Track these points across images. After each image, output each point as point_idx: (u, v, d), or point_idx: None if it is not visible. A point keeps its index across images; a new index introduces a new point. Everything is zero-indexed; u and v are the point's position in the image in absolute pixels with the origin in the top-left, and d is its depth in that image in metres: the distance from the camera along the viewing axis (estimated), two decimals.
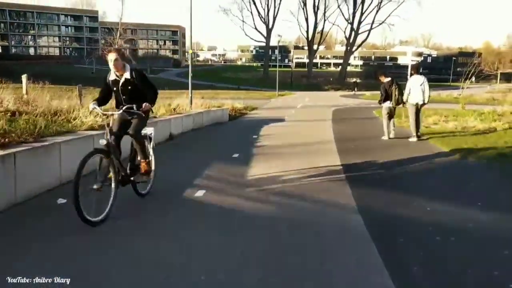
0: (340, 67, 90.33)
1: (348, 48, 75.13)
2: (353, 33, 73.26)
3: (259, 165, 7.77)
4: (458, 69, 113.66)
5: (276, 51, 57.44)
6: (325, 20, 77.15)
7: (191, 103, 16.01)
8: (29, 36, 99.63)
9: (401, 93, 11.25)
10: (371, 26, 73.32)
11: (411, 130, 11.25)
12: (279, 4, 77.33)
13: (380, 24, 73.04)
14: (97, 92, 5.84)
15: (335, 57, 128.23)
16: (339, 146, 10.08)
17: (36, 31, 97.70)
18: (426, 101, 11.18)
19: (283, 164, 7.79)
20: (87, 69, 64.86)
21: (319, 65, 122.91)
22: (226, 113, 17.73)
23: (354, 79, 41.06)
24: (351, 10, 72.77)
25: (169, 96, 30.10)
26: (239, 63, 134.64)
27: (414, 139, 10.99)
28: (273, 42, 74.43)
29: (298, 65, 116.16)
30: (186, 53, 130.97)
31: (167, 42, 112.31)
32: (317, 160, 8.27)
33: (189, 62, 16.43)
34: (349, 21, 73.12)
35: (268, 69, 77.74)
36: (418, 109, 11.12)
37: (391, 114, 11.76)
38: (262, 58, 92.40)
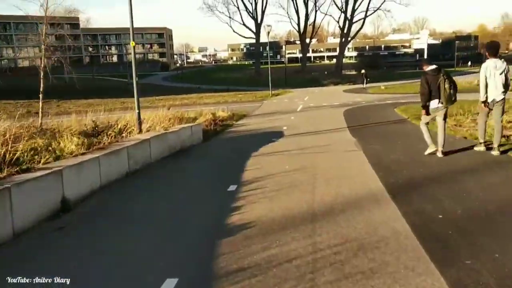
0: (335, 59, 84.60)
1: (343, 38, 69.32)
2: (347, 22, 67.52)
3: None
4: (456, 53, 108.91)
5: (267, 47, 51.69)
6: (316, 11, 71.86)
7: (139, 124, 10.24)
8: (9, 49, 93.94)
9: (454, 87, 7.53)
10: (366, 13, 67.69)
11: (479, 136, 7.89)
12: None
13: (375, 10, 67.46)
14: None
15: (328, 49, 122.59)
16: (408, 216, 4.47)
17: (15, 43, 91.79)
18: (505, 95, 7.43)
19: None
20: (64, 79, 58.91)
21: (312, 59, 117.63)
22: (198, 131, 12.04)
23: (363, 70, 34.75)
24: None
25: (147, 106, 24.46)
26: (230, 62, 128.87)
27: (481, 148, 7.74)
28: (264, 38, 68.92)
29: (291, 60, 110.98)
30: (175, 56, 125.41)
31: (153, 45, 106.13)
32: None
33: (133, 62, 10.59)
34: (342, 10, 67.44)
35: (260, 66, 71.96)
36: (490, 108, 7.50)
37: (444, 116, 7.76)
38: (253, 55, 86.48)
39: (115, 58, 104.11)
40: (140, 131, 10.35)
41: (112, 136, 9.38)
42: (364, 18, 68.58)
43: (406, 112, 16.43)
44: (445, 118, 7.81)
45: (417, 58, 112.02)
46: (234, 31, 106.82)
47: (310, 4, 70.55)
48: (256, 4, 68.85)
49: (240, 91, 39.49)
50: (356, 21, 68.78)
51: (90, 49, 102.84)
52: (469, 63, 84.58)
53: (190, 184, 7.00)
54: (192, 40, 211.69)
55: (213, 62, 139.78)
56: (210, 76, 72.24)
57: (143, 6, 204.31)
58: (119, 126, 11.78)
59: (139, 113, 10.34)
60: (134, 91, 10.50)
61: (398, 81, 44.76)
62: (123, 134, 10.88)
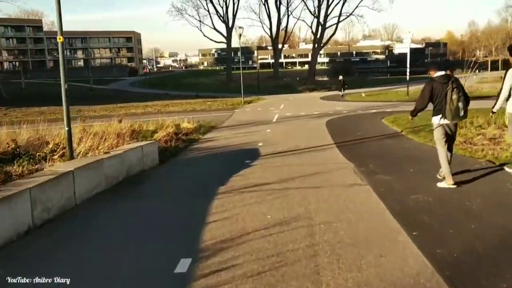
0: (307, 65, 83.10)
1: (316, 44, 67.70)
2: (320, 27, 65.92)
3: None
4: (426, 60, 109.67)
5: (239, 51, 49.19)
6: (289, 16, 69.87)
7: (70, 148, 7.57)
8: None
9: (465, 99, 5.86)
10: (339, 18, 66.21)
11: None
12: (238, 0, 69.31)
13: (348, 16, 66.08)
14: None
15: (300, 55, 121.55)
16: None
17: None
18: None
19: None
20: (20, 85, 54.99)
21: (284, 65, 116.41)
22: (153, 151, 9.48)
23: (340, 77, 32.10)
24: (316, 3, 65.38)
25: (104, 115, 21.67)
26: (201, 67, 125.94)
27: None
28: (235, 42, 66.74)
29: (263, 66, 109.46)
30: (144, 60, 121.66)
31: (121, 49, 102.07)
32: None
33: (61, 62, 7.84)
34: (315, 15, 65.76)
35: (231, 72, 69.54)
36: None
37: (450, 137, 6.18)
38: (225, 61, 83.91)
39: (81, 63, 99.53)
40: (72, 156, 7.76)
41: (24, 165, 6.81)
42: (337, 24, 67.21)
43: (397, 124, 14.37)
44: (454, 137, 6.31)
45: (388, 65, 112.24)
46: (204, 35, 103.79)
47: (283, 9, 68.52)
48: (227, 7, 66.43)
49: (210, 98, 36.87)
50: (329, 27, 67.37)
51: (55, 53, 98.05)
52: None
53: (115, 255, 4.42)
54: (162, 45, 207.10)
55: (183, 67, 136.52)
56: (179, 82, 69.27)
57: (111, 10, 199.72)
58: (49, 146, 9.22)
59: (69, 131, 7.70)
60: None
61: (374, 88, 43.13)
62: (55, 157, 8.34)
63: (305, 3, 77.78)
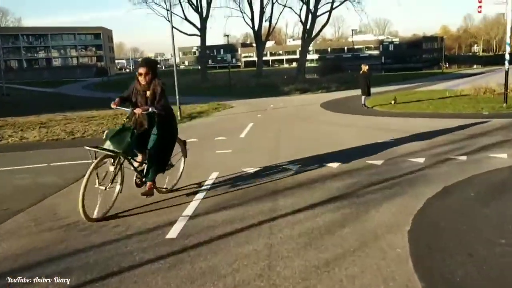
0: (294, 63, 70.05)
1: (305, 35, 54.38)
2: (310, 16, 52.65)
3: None
4: (424, 55, 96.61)
5: (222, 50, 35.68)
6: (273, 3, 56.32)
7: None
8: None
9: None
10: (332, 5, 52.95)
11: None
12: None
13: (343, 2, 52.93)
14: None
15: (288, 52, 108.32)
16: None
17: None
18: None
19: None
20: None
21: (270, 62, 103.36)
22: None
23: (366, 66, 16.65)
24: None
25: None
26: (182, 67, 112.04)
27: None
28: (210, 37, 53.27)
29: (248, 64, 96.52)
30: (121, 60, 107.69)
31: (89, 47, 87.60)
32: None
33: None
34: (304, 1, 52.49)
35: (206, 70, 56.07)
36: None
37: None
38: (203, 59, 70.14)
39: (43, 63, 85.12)
40: None
41: None
42: (330, 11, 53.79)
43: None
44: None
45: (383, 61, 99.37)
46: (173, 26, 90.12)
47: None
48: None
49: None
50: (321, 15, 53.98)
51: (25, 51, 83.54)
52: (447, 65, 72.44)
53: None
54: (147, 47, 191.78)
55: (163, 67, 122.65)
56: None
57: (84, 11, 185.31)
58: None
59: None
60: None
61: (384, 87, 30.19)
62: None
63: None
